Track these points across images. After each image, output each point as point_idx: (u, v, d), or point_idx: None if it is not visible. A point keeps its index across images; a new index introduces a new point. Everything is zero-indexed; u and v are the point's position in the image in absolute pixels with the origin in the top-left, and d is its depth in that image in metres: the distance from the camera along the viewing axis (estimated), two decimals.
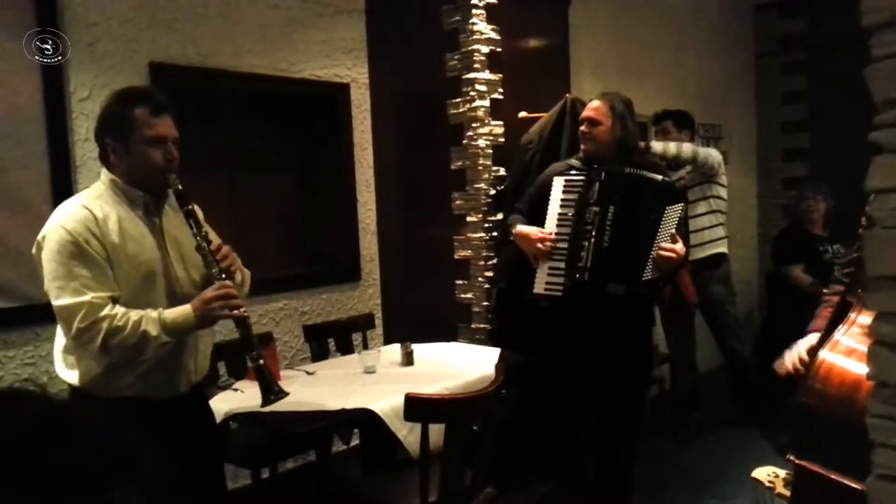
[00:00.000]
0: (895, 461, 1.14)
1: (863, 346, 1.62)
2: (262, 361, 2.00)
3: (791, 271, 4.63)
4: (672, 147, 3.89)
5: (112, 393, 1.96)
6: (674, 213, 2.69)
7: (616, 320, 2.80)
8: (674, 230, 2.70)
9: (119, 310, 1.88)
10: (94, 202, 1.96)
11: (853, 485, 1.54)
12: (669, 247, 2.66)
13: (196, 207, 2.10)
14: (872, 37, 1.11)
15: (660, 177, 2.78)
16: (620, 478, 3.00)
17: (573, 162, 3.00)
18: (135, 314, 1.88)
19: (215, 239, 2.14)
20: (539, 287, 2.83)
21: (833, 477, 1.61)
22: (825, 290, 2.16)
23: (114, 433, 0.57)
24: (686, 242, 2.80)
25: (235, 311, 1.96)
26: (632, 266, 2.70)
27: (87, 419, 2.02)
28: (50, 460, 0.49)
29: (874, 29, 1.10)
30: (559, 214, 2.84)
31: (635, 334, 2.92)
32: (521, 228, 2.93)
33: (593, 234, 2.74)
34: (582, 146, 2.95)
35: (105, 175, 2.02)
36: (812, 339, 1.97)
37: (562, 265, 2.79)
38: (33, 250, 1.95)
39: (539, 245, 2.82)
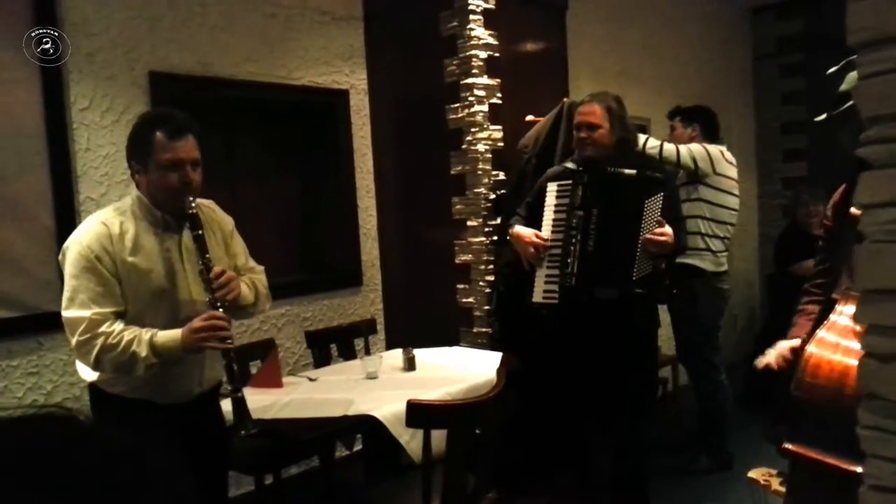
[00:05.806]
0: (886, 471, 1.16)
1: (845, 340, 1.72)
2: (240, 395, 2.07)
3: (800, 269, 4.41)
4: (654, 145, 3.63)
5: (121, 392, 2.10)
6: (654, 203, 2.67)
7: (613, 325, 2.79)
8: (659, 217, 2.67)
9: (116, 327, 1.97)
10: (115, 218, 2.05)
11: (847, 467, 1.62)
12: (658, 231, 2.65)
13: (222, 225, 2.27)
14: (858, 55, 1.13)
15: (633, 171, 2.73)
16: (633, 480, 3.00)
17: (569, 165, 2.98)
18: (129, 334, 1.96)
19: (228, 259, 2.22)
20: (537, 296, 2.83)
21: (828, 460, 1.70)
22: (801, 301, 2.22)
23: (143, 448, 0.58)
24: (676, 228, 2.76)
25: (219, 344, 2.01)
26: (619, 268, 2.69)
27: (104, 420, 2.08)
28: (81, 478, 0.51)
29: (859, 48, 1.12)
30: (553, 220, 2.84)
31: (635, 337, 2.90)
32: (518, 229, 2.92)
33: (578, 238, 2.73)
34: (580, 152, 2.91)
35: (133, 191, 2.12)
36: (794, 341, 2.05)
37: (556, 272, 2.79)
38: (59, 257, 2.08)
39: (531, 249, 2.81)
